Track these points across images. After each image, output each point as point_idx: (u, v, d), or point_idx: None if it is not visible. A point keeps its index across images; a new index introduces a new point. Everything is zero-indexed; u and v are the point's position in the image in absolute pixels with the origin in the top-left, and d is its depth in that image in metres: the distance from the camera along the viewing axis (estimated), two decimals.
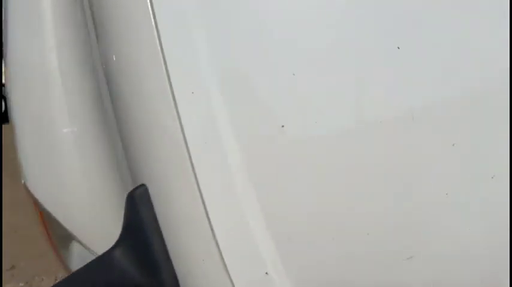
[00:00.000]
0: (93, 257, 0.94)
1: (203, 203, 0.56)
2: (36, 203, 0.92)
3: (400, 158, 0.58)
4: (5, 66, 1.02)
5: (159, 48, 0.55)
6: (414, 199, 0.58)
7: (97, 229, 0.87)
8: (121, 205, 0.84)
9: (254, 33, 0.56)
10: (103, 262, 0.58)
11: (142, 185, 0.58)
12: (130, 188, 0.72)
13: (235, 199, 0.56)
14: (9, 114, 1.02)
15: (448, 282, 0.60)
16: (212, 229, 0.56)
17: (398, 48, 0.56)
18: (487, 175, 0.58)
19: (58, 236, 0.94)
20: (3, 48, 1.00)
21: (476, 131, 0.58)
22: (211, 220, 0.56)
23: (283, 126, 0.56)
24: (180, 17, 0.56)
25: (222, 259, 0.57)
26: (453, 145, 0.58)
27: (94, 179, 0.85)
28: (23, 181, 0.94)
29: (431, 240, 0.60)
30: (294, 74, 0.56)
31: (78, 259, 0.96)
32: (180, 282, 0.59)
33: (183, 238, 0.58)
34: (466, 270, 0.60)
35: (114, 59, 0.60)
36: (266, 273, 0.57)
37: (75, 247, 0.96)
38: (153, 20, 0.55)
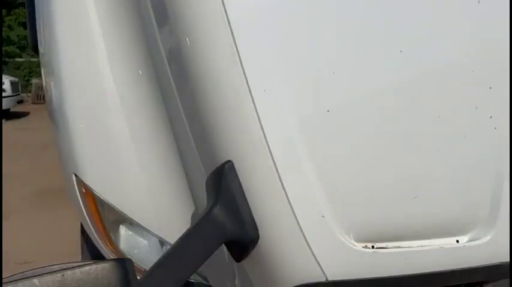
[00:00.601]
0: (139, 238, 1.11)
1: (277, 170, 0.77)
2: (88, 191, 1.07)
3: (403, 129, 0.84)
4: (44, 69, 1.14)
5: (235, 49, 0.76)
6: (416, 156, 0.84)
7: (153, 210, 1.04)
8: (175, 189, 1.02)
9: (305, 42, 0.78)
10: (209, 216, 0.77)
11: (229, 161, 0.78)
12: (196, 169, 0.92)
13: (299, 165, 0.78)
14: (51, 115, 1.14)
15: (442, 211, 0.87)
16: (284, 188, 0.78)
17: (401, 51, 0.81)
18: (461, 135, 0.86)
19: (108, 221, 1.10)
20: (44, 52, 1.12)
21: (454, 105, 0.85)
22: (283, 181, 0.78)
23: (328, 111, 0.79)
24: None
25: (292, 208, 0.78)
26: (439, 116, 0.84)
27: (151, 168, 1.02)
28: (73, 173, 1.08)
29: (429, 186, 0.86)
30: (333, 73, 0.79)
31: (125, 239, 1.12)
32: (260, 230, 0.80)
33: (262, 197, 0.79)
34: (451, 206, 0.87)
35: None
36: (323, 216, 0.80)
37: (122, 230, 1.12)
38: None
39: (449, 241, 0.89)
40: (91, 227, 1.13)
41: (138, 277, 0.67)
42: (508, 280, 1.24)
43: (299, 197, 0.79)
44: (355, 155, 0.82)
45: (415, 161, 0.84)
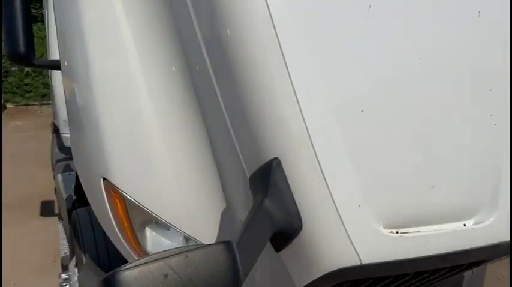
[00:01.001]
0: (163, 239, 1.16)
1: (320, 166, 0.86)
2: (116, 194, 1.10)
3: (421, 131, 0.95)
4: (67, 75, 1.15)
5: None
6: (432, 155, 0.96)
7: (183, 209, 1.10)
8: (205, 189, 1.09)
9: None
10: (261, 209, 0.84)
11: (276, 158, 0.86)
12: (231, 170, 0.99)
13: (339, 162, 0.88)
14: (73, 120, 1.16)
15: (451, 199, 0.99)
16: (326, 182, 0.87)
17: (420, 58, 0.93)
18: (468, 133, 0.99)
19: (136, 223, 1.14)
20: (66, 57, 1.14)
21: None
22: (325, 176, 0.87)
23: (362, 111, 0.89)
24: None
25: (333, 199, 0.88)
26: (450, 116, 0.96)
27: (181, 168, 1.08)
28: (101, 177, 1.10)
29: (441, 179, 0.97)
30: (365, 77, 0.89)
31: (151, 241, 1.16)
32: (303, 220, 0.88)
33: (306, 191, 0.88)
34: (459, 195, 0.99)
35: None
36: (359, 206, 0.90)
37: (148, 231, 1.16)
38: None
39: (458, 225, 1.01)
40: (116, 230, 1.16)
41: None
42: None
43: (339, 189, 0.88)
44: (385, 154, 0.92)
45: (431, 160, 0.96)
